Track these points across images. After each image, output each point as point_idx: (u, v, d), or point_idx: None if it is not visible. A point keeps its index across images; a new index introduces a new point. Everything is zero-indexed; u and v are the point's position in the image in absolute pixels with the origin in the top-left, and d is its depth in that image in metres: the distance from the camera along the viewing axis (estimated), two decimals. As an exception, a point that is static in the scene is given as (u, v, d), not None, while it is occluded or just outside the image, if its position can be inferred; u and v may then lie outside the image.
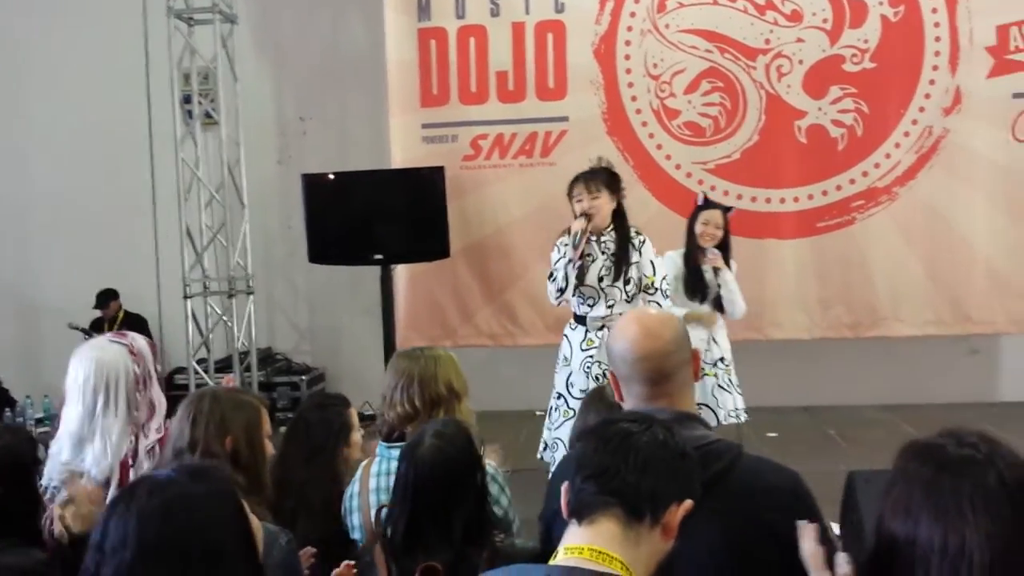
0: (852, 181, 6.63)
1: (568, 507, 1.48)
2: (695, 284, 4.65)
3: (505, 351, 7.01)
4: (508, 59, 6.67)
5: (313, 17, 7.45)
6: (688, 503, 1.47)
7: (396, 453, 2.48)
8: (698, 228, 4.67)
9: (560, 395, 4.33)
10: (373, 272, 6.80)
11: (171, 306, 7.29)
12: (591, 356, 4.22)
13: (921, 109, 6.53)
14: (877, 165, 6.60)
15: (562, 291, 4.23)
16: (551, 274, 4.28)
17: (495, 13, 6.68)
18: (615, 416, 1.62)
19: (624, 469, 1.43)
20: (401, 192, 6.54)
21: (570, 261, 4.16)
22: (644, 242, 4.27)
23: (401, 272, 6.82)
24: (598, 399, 2.80)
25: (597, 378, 4.13)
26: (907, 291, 6.63)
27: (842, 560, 1.55)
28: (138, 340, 2.42)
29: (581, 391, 4.13)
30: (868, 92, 6.53)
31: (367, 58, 7.10)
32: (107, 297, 7.25)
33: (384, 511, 2.27)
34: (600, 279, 4.22)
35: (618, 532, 1.40)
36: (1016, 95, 6.41)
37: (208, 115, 6.96)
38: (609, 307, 4.24)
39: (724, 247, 4.69)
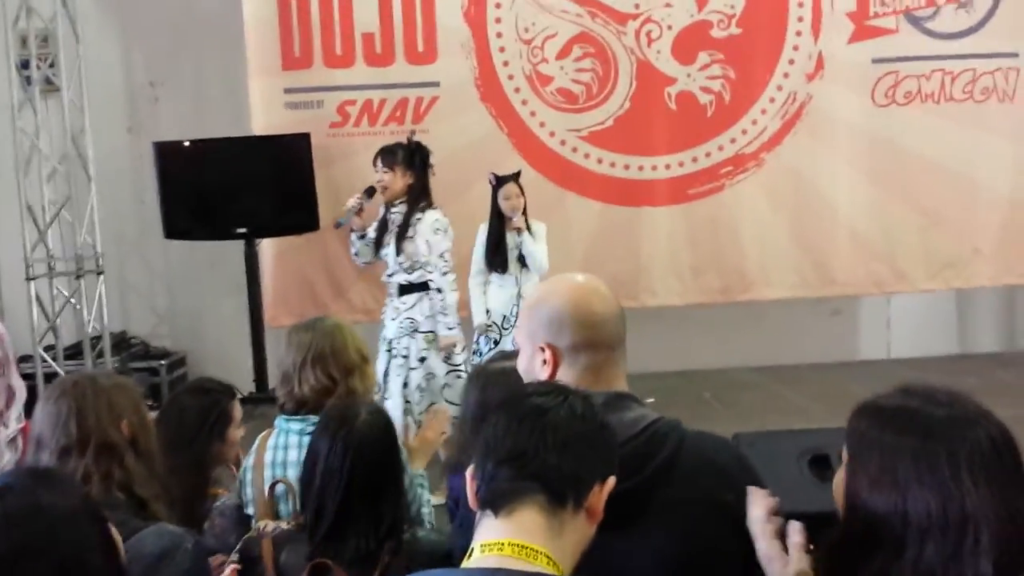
0: (721, 148, 6.68)
1: (478, 497, 1.30)
2: (496, 256, 5.08)
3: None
4: (375, 20, 6.36)
5: (164, -29, 6.96)
6: (611, 481, 1.33)
7: (296, 427, 2.34)
8: (503, 205, 5.07)
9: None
10: (236, 247, 6.45)
11: (13, 289, 6.71)
12: (382, 320, 4.89)
13: (786, 75, 6.62)
14: (744, 132, 6.66)
15: (357, 255, 4.88)
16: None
17: (360, -30, 6.38)
18: (523, 389, 1.44)
19: (543, 449, 1.29)
20: (264, 161, 6.21)
21: (352, 230, 4.72)
22: (421, 219, 4.72)
23: (267, 247, 6.47)
24: (486, 374, 2.63)
25: (383, 338, 4.77)
26: (775, 255, 6.74)
27: (795, 529, 1.44)
28: None
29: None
30: (735, 58, 6.57)
31: (223, 16, 6.63)
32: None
33: (289, 489, 2.06)
34: (383, 246, 4.76)
35: (541, 522, 1.26)
36: (875, 60, 6.58)
37: (48, 80, 6.39)
38: (389, 275, 4.77)
39: (524, 210, 5.11)
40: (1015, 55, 6.63)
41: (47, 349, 6.53)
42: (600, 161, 6.58)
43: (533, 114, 6.55)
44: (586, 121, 6.56)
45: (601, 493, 1.32)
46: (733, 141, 6.65)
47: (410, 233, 4.69)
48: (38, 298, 6.42)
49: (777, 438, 3.31)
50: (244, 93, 6.44)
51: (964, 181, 6.67)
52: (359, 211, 4.82)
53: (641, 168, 6.64)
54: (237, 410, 2.81)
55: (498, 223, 5.12)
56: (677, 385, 6.60)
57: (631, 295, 6.63)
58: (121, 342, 7.16)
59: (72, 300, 6.52)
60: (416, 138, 5.14)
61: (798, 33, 6.58)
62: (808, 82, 6.60)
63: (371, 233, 4.88)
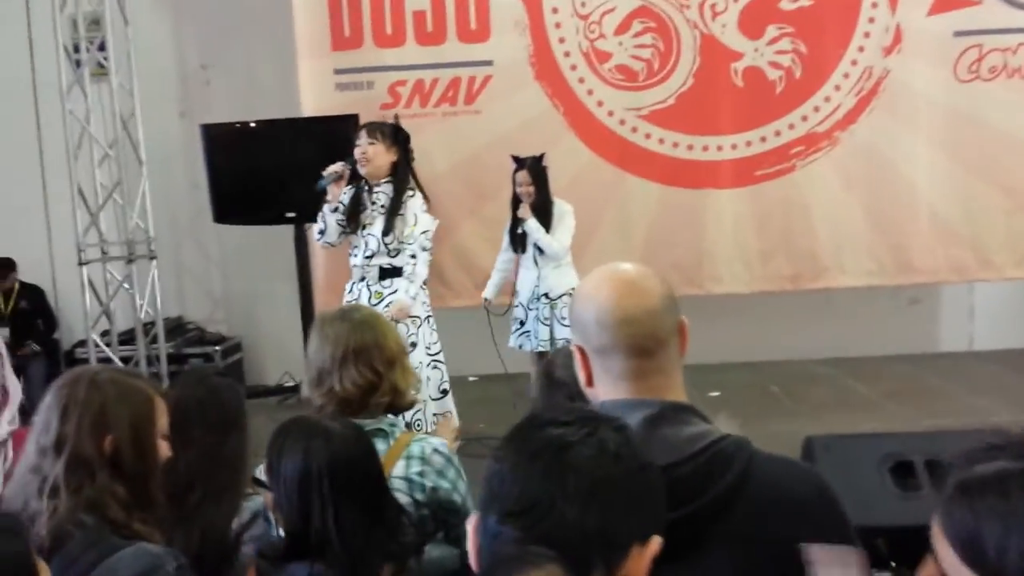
0: (791, 126, 6.32)
1: (480, 561, 1.03)
2: (513, 237, 5.20)
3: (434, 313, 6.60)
4: (426, -2, 6.18)
5: (214, -45, 6.85)
6: (656, 543, 1.04)
7: None
8: (518, 190, 5.13)
9: None
10: (288, 232, 6.32)
11: (66, 274, 6.67)
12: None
13: (861, 49, 6.23)
14: (817, 109, 6.29)
15: (322, 232, 4.52)
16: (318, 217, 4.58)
17: (411, -52, 6.17)
18: (539, 416, 1.16)
19: (561, 500, 1.00)
20: (314, 143, 6.02)
21: (326, 200, 4.39)
22: (412, 195, 4.48)
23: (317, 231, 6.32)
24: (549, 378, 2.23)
25: None
26: (849, 240, 6.37)
27: None
28: None
29: None
30: (806, 32, 6.20)
31: (272, -1, 6.55)
32: (2, 268, 6.66)
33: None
34: (363, 227, 4.43)
35: None
36: (958, 33, 6.15)
37: (98, 64, 6.33)
38: (367, 257, 4.44)
39: (542, 195, 5.11)
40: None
41: (102, 335, 6.50)
42: (662, 141, 6.27)
43: (591, 92, 6.27)
44: (647, 99, 6.26)
45: (641, 558, 1.04)
46: (804, 119, 6.28)
47: (402, 211, 4.43)
48: (91, 283, 6.38)
49: (854, 442, 2.99)
50: (295, 75, 6.30)
51: (1053, 161, 6.21)
52: (339, 179, 4.50)
53: (706, 148, 6.31)
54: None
55: (516, 206, 5.18)
56: (742, 378, 6.29)
57: (695, 282, 6.36)
58: (177, 327, 7.11)
59: (125, 285, 6.47)
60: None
61: (874, 4, 6.18)
62: (885, 56, 6.19)
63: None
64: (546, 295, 5.12)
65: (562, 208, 5.14)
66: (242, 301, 7.28)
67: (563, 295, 5.03)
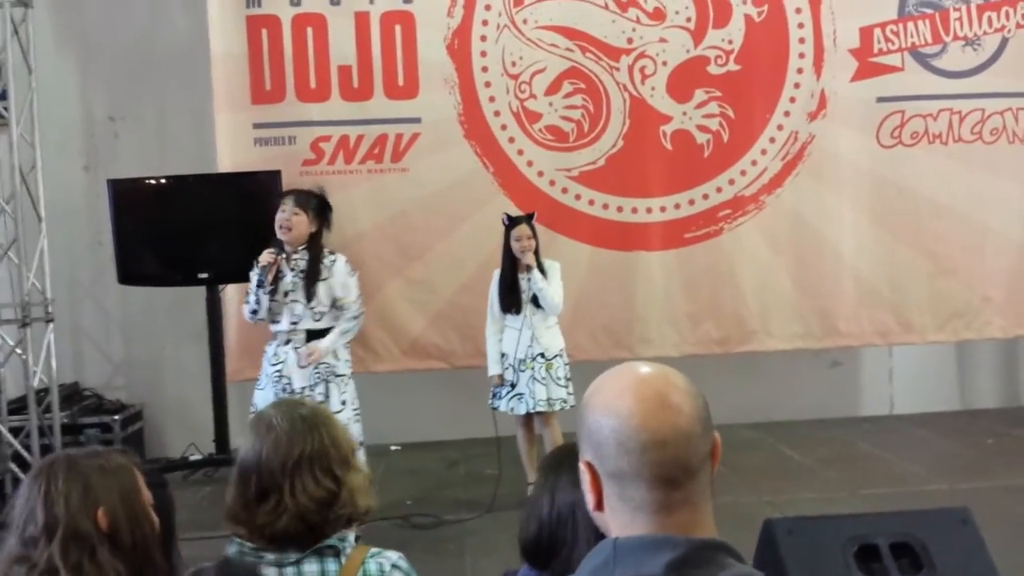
0: (719, 189, 6.31)
1: None
2: (510, 298, 5.07)
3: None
4: (352, 52, 5.96)
5: (125, 1, 6.52)
6: None
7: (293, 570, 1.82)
8: (514, 246, 5.04)
9: (256, 409, 4.51)
10: (199, 293, 5.97)
11: (-47, 337, 6.14)
12: (279, 371, 4.51)
13: (787, 113, 6.28)
14: (743, 172, 6.30)
15: (255, 312, 4.57)
16: (247, 298, 4.62)
17: (335, 1, 5.97)
18: None
19: None
20: (230, 200, 5.75)
21: (260, 285, 4.46)
22: (335, 262, 4.65)
23: (231, 293, 5.97)
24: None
25: (284, 389, 4.46)
26: (776, 303, 6.35)
27: None
28: None
29: None
30: (733, 96, 6.23)
31: (188, 49, 6.24)
32: None
33: None
34: (285, 294, 4.49)
35: None
36: (880, 99, 6.26)
37: (-2, 113, 5.92)
38: (293, 323, 4.52)
39: (536, 250, 5.09)
40: (1025, 95, 6.33)
41: (-11, 403, 5.96)
42: (592, 203, 6.18)
43: (520, 152, 6.14)
44: (577, 160, 6.17)
45: None
46: (732, 182, 6.28)
47: (324, 275, 4.58)
48: (-20, 348, 5.87)
49: (817, 525, 2.88)
50: (210, 129, 5.99)
51: (974, 226, 6.34)
52: (272, 266, 4.58)
53: (635, 210, 6.24)
54: None
55: (510, 265, 5.09)
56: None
57: (624, 345, 6.25)
58: (73, 394, 6.62)
59: (18, 350, 5.97)
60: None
61: (799, 70, 6.26)
62: (810, 121, 6.26)
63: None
64: (542, 355, 5.07)
65: (552, 265, 5.17)
66: (145, 366, 6.84)
67: (556, 355, 5.10)
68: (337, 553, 1.86)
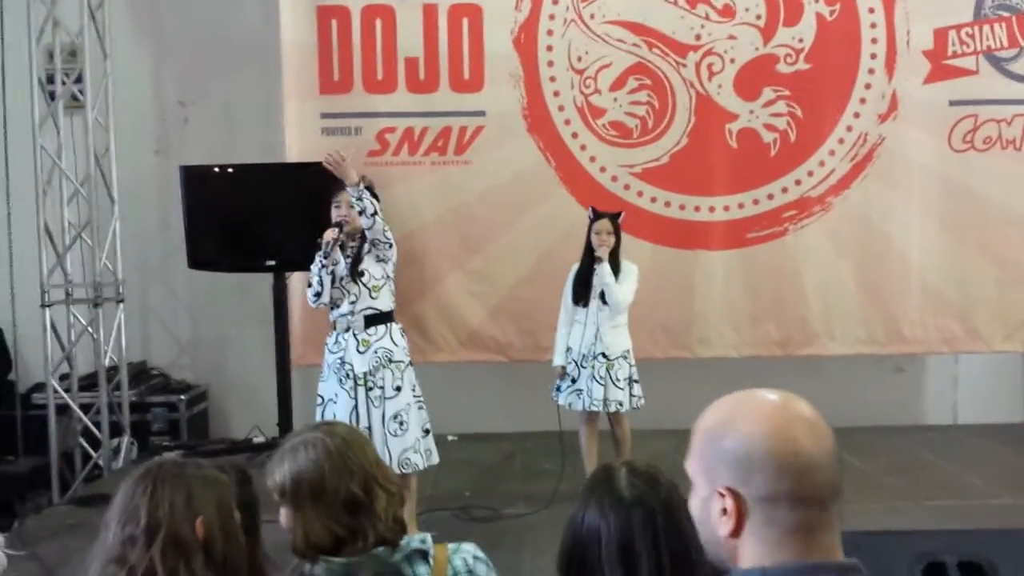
0: (784, 190, 6.23)
1: None
2: (581, 291, 5.08)
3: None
4: (419, 45, 6.01)
5: (199, -11, 6.65)
6: None
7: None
8: (593, 239, 5.06)
9: (322, 400, 4.55)
10: (264, 277, 6.07)
11: (28, 315, 6.32)
12: (339, 357, 4.48)
13: (856, 115, 6.17)
14: (811, 173, 6.21)
15: (318, 295, 4.53)
16: (309, 282, 4.58)
17: (405, -8, 6.03)
18: None
19: None
20: (297, 189, 5.81)
21: (323, 267, 4.45)
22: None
23: (297, 281, 6.07)
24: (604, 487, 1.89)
25: (348, 375, 4.42)
26: (840, 307, 6.26)
27: None
28: None
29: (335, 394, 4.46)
30: (802, 95, 6.14)
31: (259, 38, 6.33)
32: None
33: None
34: (341, 279, 4.50)
35: None
36: (953, 102, 6.11)
37: (73, 97, 6.07)
38: (351, 303, 4.50)
39: (615, 249, 5.10)
40: (1102, 101, 6.14)
41: (61, 379, 6.16)
42: (654, 200, 6.16)
43: (583, 148, 6.13)
44: (640, 157, 6.14)
45: None
46: (798, 183, 6.19)
47: (365, 249, 4.53)
48: (53, 325, 6.05)
49: (886, 541, 2.88)
50: (279, 117, 6.10)
51: (1046, 233, 6.17)
52: (336, 242, 4.52)
53: (698, 209, 6.19)
54: None
55: (588, 258, 5.09)
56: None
57: (682, 344, 6.22)
58: (141, 373, 6.80)
59: (89, 329, 6.15)
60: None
61: (871, 71, 6.14)
62: (880, 123, 6.14)
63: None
64: (603, 354, 5.04)
65: (629, 267, 5.14)
66: (210, 347, 6.99)
67: (620, 356, 5.06)
68: (425, 555, 1.88)
